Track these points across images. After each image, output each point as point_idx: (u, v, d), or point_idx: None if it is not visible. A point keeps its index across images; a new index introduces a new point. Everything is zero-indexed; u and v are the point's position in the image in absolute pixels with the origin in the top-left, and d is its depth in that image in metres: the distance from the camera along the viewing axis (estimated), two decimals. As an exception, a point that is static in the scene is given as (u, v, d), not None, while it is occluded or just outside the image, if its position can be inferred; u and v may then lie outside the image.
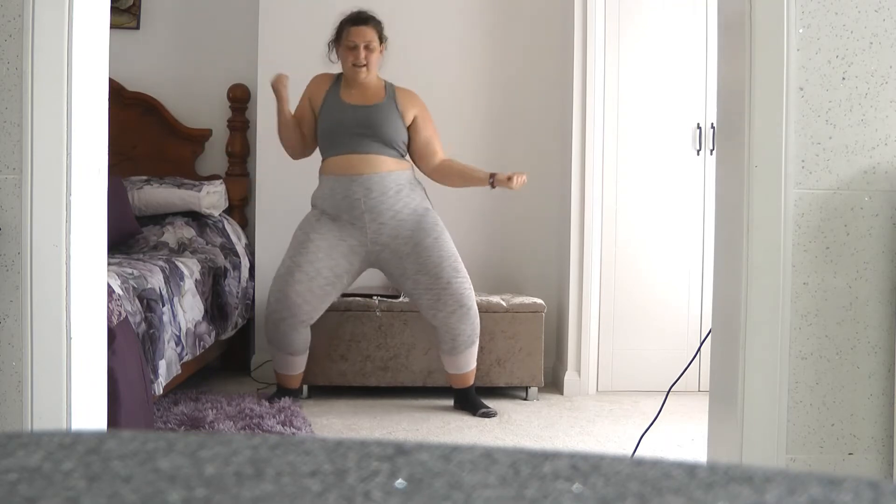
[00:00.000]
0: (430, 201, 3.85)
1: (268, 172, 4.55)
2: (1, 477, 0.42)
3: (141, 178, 4.51)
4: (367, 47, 3.73)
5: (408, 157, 3.84)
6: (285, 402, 3.76)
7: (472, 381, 3.88)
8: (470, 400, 3.85)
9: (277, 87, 3.78)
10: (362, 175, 3.67)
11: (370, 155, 3.68)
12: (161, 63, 4.80)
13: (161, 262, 3.61)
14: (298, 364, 3.86)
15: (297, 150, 3.89)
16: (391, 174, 3.70)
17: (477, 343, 3.84)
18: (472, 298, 3.78)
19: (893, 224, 2.13)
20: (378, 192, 3.67)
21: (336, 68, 3.89)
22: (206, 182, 4.58)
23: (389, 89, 3.81)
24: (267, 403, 3.71)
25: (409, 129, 3.78)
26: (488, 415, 3.77)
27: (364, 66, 3.73)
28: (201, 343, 3.75)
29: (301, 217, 4.59)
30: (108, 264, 2.66)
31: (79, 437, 0.48)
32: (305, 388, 4.07)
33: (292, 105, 3.87)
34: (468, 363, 3.83)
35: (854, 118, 2.11)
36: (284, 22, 4.54)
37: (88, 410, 2.17)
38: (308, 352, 3.87)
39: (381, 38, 3.80)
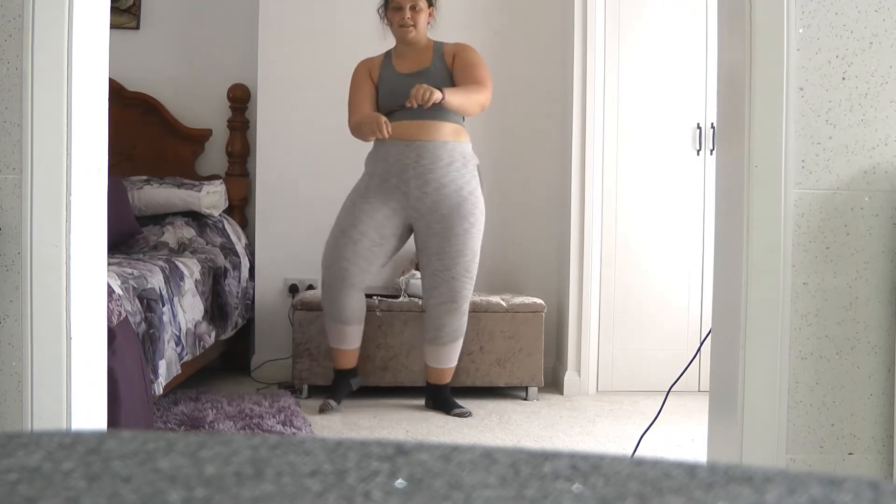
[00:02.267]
0: (482, 180, 3.81)
1: (268, 172, 4.55)
2: (1, 477, 0.42)
3: (141, 178, 4.51)
4: (413, 7, 3.74)
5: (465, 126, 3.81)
6: (285, 401, 3.76)
7: (447, 381, 3.88)
8: (443, 398, 3.85)
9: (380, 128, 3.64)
10: (416, 141, 3.67)
11: (427, 121, 3.66)
12: (161, 63, 4.80)
13: (161, 262, 3.61)
14: (353, 336, 3.82)
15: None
16: (446, 144, 3.69)
17: (460, 342, 3.84)
18: (466, 298, 3.78)
19: (893, 224, 2.13)
20: (429, 161, 3.67)
21: (378, 46, 3.90)
22: (206, 182, 4.58)
23: (437, 49, 3.81)
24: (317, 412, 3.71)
25: (452, 72, 3.76)
26: (462, 415, 3.76)
27: (411, 25, 3.73)
28: (201, 343, 3.75)
29: (301, 217, 4.60)
30: (108, 264, 2.66)
31: (79, 437, 0.48)
32: (305, 387, 4.07)
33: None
34: (448, 359, 3.83)
35: (854, 118, 2.11)
36: (284, 22, 4.54)
37: (88, 410, 2.17)
38: (363, 325, 3.85)
39: (430, 0, 3.82)
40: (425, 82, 3.63)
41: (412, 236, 3.84)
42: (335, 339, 3.83)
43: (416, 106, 3.53)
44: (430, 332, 3.80)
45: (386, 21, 3.85)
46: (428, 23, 3.82)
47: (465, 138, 3.77)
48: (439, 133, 3.68)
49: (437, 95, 3.51)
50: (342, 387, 3.86)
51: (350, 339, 3.83)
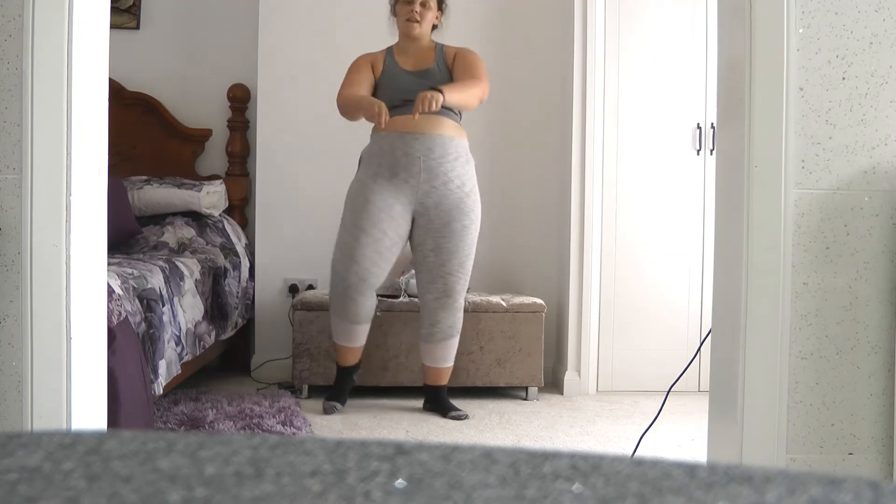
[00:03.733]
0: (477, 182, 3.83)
1: (268, 172, 4.56)
2: (1, 477, 0.42)
3: (141, 178, 4.51)
4: (423, 4, 3.76)
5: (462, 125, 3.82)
6: (285, 401, 3.76)
7: (444, 381, 3.86)
8: (441, 401, 3.84)
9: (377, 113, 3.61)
10: (424, 133, 3.65)
11: (430, 115, 3.63)
12: (161, 63, 4.80)
13: (161, 262, 3.61)
14: (362, 334, 3.82)
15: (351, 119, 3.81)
16: (452, 140, 3.68)
17: (456, 339, 3.83)
18: (461, 294, 3.77)
19: (893, 224, 2.13)
20: (439, 154, 3.67)
21: (379, 46, 3.90)
22: (206, 182, 4.58)
23: (439, 50, 3.82)
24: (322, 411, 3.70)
25: (451, 70, 3.78)
26: (459, 417, 3.75)
27: (417, 21, 3.74)
28: (201, 343, 3.75)
29: (301, 217, 4.59)
30: (108, 264, 2.66)
31: (79, 437, 0.48)
32: (305, 387, 4.07)
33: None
34: (444, 357, 3.82)
35: (854, 118, 2.11)
36: (284, 22, 4.54)
37: (88, 410, 2.17)
38: (371, 323, 3.85)
39: (441, 3, 3.83)
40: (428, 83, 3.65)
41: None
42: (344, 337, 3.81)
43: (421, 113, 3.52)
44: (425, 328, 3.79)
45: (394, 15, 3.86)
46: (434, 25, 3.82)
47: (465, 136, 3.78)
48: (444, 127, 3.68)
49: (439, 98, 3.51)
50: (346, 384, 3.86)
51: (359, 337, 3.83)
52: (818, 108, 2.11)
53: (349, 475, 0.44)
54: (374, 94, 3.78)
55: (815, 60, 2.11)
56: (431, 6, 3.78)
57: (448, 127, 3.69)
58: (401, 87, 3.71)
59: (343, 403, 3.82)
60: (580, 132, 4.26)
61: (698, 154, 4.32)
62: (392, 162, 3.68)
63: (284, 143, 4.54)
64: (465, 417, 3.76)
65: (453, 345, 3.84)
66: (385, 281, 4.04)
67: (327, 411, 3.77)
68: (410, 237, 3.78)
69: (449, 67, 3.77)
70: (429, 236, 3.71)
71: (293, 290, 4.52)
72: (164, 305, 3.30)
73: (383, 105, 3.55)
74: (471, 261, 3.78)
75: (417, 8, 3.75)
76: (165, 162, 4.73)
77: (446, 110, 3.67)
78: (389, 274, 4.01)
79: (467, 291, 4.32)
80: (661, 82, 4.32)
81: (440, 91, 3.54)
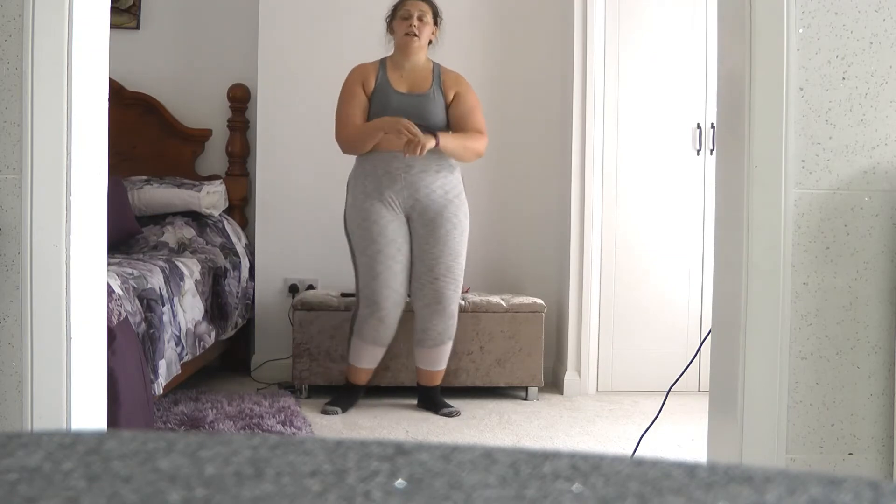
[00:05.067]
0: (464, 188, 3.85)
1: (268, 172, 4.56)
2: (1, 477, 0.42)
3: (141, 178, 4.51)
4: (420, 19, 3.76)
5: None
6: (285, 401, 3.76)
7: (438, 382, 3.90)
8: (433, 399, 3.87)
9: (400, 131, 3.61)
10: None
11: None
12: (161, 63, 4.80)
13: (161, 262, 3.61)
14: (381, 356, 3.86)
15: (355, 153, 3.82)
16: (433, 153, 3.67)
17: (449, 345, 3.85)
18: (452, 300, 3.78)
19: (893, 224, 2.13)
20: (419, 170, 3.69)
21: (378, 47, 3.89)
22: (206, 182, 4.58)
23: (436, 72, 3.82)
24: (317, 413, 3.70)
25: (448, 107, 3.78)
26: (451, 414, 3.77)
27: (416, 35, 3.74)
28: (201, 343, 3.75)
29: (301, 217, 4.59)
30: (108, 264, 2.66)
31: (79, 437, 0.48)
32: (305, 387, 4.07)
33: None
34: (437, 361, 3.84)
35: (854, 118, 2.11)
36: (284, 22, 4.54)
37: (88, 410, 2.17)
38: None
39: (437, 18, 3.83)
40: (423, 108, 3.69)
41: None
42: (366, 360, 3.83)
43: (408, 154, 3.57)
44: (418, 335, 3.82)
45: (391, 31, 3.85)
46: (430, 41, 3.82)
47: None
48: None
49: (431, 143, 3.58)
50: (353, 398, 3.87)
51: (379, 359, 3.87)
52: (818, 108, 2.11)
53: (349, 475, 0.44)
54: (367, 113, 3.78)
55: (815, 60, 2.11)
56: (428, 21, 3.79)
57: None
58: (391, 108, 3.71)
59: (344, 411, 3.83)
60: (580, 132, 4.26)
61: (698, 154, 4.32)
62: (376, 182, 3.71)
63: (284, 143, 4.54)
64: (458, 414, 3.78)
65: (446, 350, 3.86)
66: None
67: (326, 412, 3.77)
68: None
69: (446, 99, 3.78)
70: (414, 244, 3.75)
71: (293, 290, 4.52)
72: (164, 305, 3.30)
73: (404, 121, 3.57)
74: (459, 265, 3.78)
75: (415, 22, 3.75)
76: (165, 162, 4.73)
77: (432, 124, 3.70)
78: None
79: (467, 291, 4.33)
80: (661, 82, 4.32)
81: (435, 136, 3.59)
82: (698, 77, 4.31)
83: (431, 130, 3.65)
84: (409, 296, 3.83)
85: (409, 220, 3.75)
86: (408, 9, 3.77)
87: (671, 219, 4.33)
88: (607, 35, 4.30)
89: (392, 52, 3.86)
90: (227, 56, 4.78)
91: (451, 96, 3.79)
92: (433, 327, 3.78)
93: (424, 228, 3.73)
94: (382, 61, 3.85)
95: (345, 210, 3.84)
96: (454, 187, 3.77)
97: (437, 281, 3.74)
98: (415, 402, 3.96)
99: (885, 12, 2.10)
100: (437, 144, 3.62)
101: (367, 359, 3.83)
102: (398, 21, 3.80)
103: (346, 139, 3.76)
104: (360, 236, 3.74)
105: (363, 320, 3.77)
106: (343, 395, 3.87)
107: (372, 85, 3.79)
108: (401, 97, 3.74)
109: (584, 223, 4.26)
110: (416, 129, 3.57)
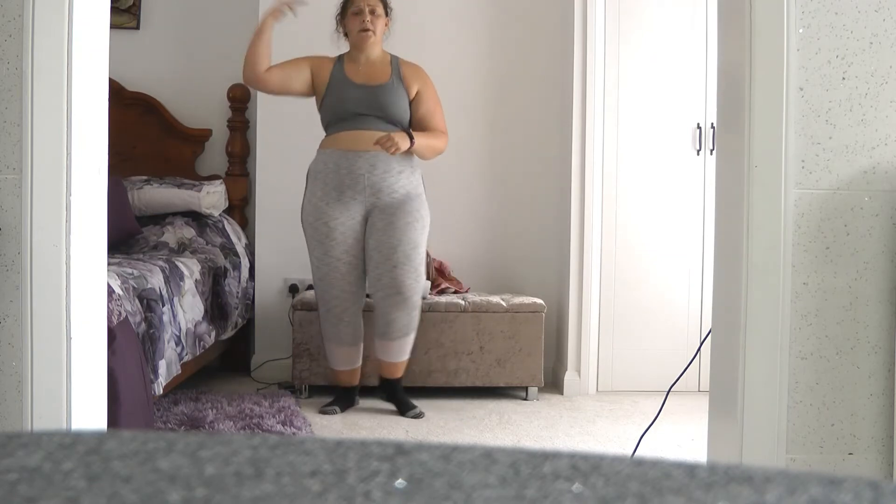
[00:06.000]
0: (425, 187, 3.84)
1: (268, 172, 4.55)
2: (1, 477, 0.42)
3: (141, 178, 4.51)
4: (372, 12, 3.75)
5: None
6: (285, 401, 3.76)
7: (400, 374, 3.88)
8: (398, 397, 3.86)
9: (273, 17, 3.71)
10: (368, 151, 3.65)
11: (376, 132, 3.64)
12: (161, 63, 4.80)
13: (161, 262, 3.61)
14: (357, 355, 3.84)
15: (258, 72, 3.73)
16: (396, 154, 3.65)
17: (411, 337, 3.81)
18: (413, 290, 3.73)
19: (893, 224, 2.13)
20: (382, 171, 3.67)
21: (333, 52, 3.88)
22: (206, 182, 4.58)
23: (395, 64, 3.81)
24: (313, 412, 3.70)
25: (411, 102, 3.78)
26: (418, 416, 3.77)
27: (370, 30, 3.73)
28: (201, 343, 3.75)
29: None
30: (108, 264, 2.66)
31: (79, 437, 0.48)
32: (305, 387, 4.07)
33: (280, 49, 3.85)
34: (400, 353, 3.82)
35: (854, 118, 2.11)
36: (284, 22, 4.53)
37: (88, 410, 2.17)
38: (363, 342, 3.86)
39: (387, 9, 3.82)
40: (383, 98, 3.69)
41: None
42: (342, 362, 3.83)
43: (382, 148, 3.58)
44: (381, 328, 3.78)
45: (341, 30, 3.84)
46: (383, 31, 3.81)
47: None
48: None
49: (406, 144, 3.60)
50: (349, 399, 3.87)
51: (355, 359, 3.85)
52: (818, 108, 2.11)
53: (349, 475, 0.44)
54: (320, 105, 3.79)
55: (815, 60, 2.11)
56: (380, 13, 3.78)
57: None
58: (350, 100, 3.71)
59: (342, 411, 3.83)
60: (580, 132, 4.26)
61: (698, 154, 4.32)
62: (337, 181, 3.69)
63: (284, 143, 4.54)
64: (422, 416, 3.77)
65: (409, 341, 3.83)
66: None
67: (324, 413, 3.77)
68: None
69: (407, 90, 3.76)
70: (372, 236, 3.71)
71: (293, 290, 4.52)
72: (164, 305, 3.30)
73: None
74: (419, 255, 3.74)
75: (368, 17, 3.74)
76: (165, 162, 4.73)
77: (391, 125, 3.69)
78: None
79: (466, 291, 4.33)
80: (661, 82, 4.32)
81: (411, 138, 3.61)
82: (698, 77, 4.31)
83: (407, 130, 3.66)
84: (368, 292, 3.81)
85: (368, 216, 3.72)
86: (358, 4, 3.76)
87: (671, 219, 4.33)
88: (607, 35, 4.30)
89: (347, 49, 3.84)
90: (227, 56, 4.77)
91: (413, 91, 3.77)
92: (396, 319, 3.73)
93: (383, 221, 3.69)
94: (340, 57, 3.84)
95: (302, 203, 3.82)
96: (415, 188, 3.76)
97: (396, 269, 3.69)
98: (416, 402, 3.95)
99: (885, 12, 2.10)
100: (412, 146, 3.63)
101: (341, 360, 3.82)
102: (350, 17, 3.79)
103: (245, 59, 3.73)
104: (310, 235, 3.75)
105: (323, 320, 3.80)
106: (341, 395, 3.87)
107: (326, 76, 3.77)
108: (359, 88, 3.72)
109: (584, 223, 4.26)
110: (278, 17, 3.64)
